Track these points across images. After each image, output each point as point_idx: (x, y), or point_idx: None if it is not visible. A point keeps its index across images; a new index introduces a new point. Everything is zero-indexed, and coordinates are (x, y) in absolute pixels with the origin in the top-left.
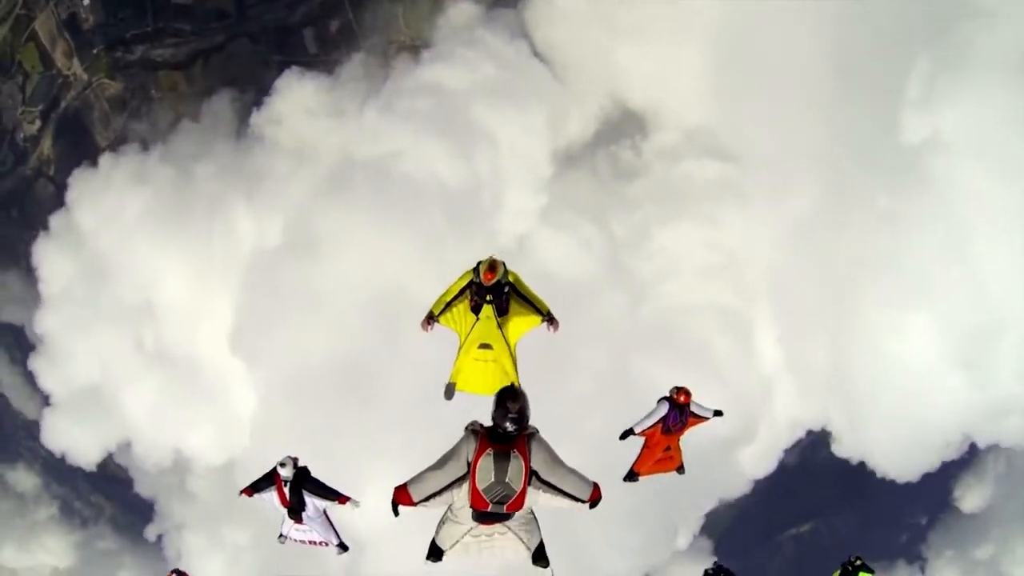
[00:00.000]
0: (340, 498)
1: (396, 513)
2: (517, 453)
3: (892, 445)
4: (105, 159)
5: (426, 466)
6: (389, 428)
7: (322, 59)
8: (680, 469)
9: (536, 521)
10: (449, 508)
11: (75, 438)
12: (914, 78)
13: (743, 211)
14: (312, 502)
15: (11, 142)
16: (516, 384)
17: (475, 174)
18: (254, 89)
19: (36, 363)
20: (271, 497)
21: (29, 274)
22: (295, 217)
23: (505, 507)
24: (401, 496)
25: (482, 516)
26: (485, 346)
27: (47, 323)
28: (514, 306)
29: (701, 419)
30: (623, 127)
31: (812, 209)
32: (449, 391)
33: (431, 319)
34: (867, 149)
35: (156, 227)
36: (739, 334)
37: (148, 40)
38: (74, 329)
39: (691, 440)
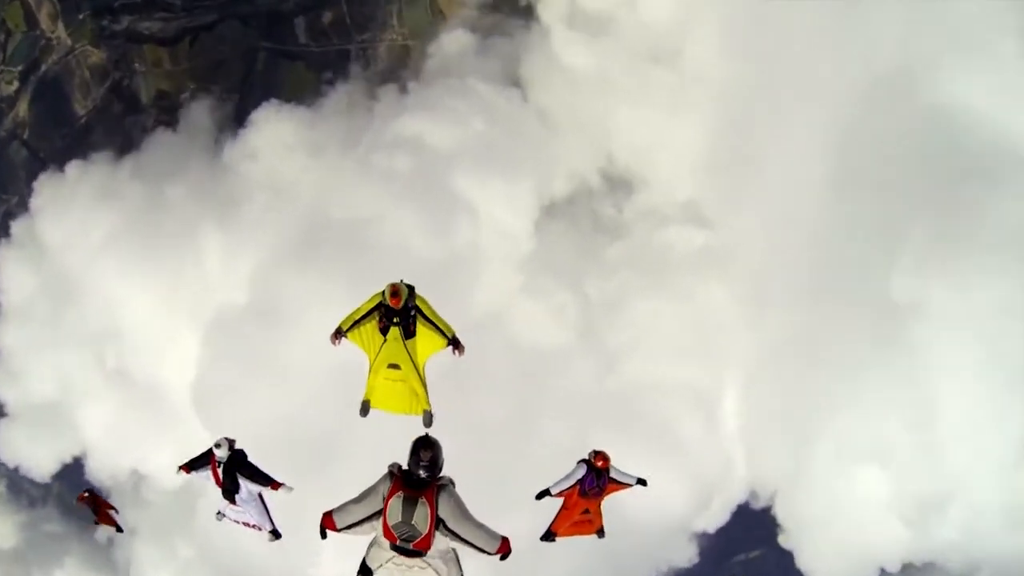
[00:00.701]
0: (272, 483)
1: (324, 536)
2: (424, 500)
3: (829, 554)
4: (73, 168)
5: (350, 498)
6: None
7: (312, 50)
8: (600, 533)
9: (456, 558)
10: (377, 537)
11: (30, 452)
12: (911, 238)
13: (722, 292)
14: (246, 486)
15: None
16: (428, 407)
17: (452, 248)
18: (235, 100)
19: None
20: (206, 476)
21: None
22: (264, 271)
23: (412, 545)
24: (327, 522)
25: (395, 548)
26: (394, 366)
27: (6, 337)
28: (421, 329)
29: (623, 485)
30: (610, 186)
31: (790, 318)
32: (364, 408)
33: (339, 334)
34: (854, 285)
35: (123, 248)
36: (703, 416)
37: (136, 11)
38: (34, 345)
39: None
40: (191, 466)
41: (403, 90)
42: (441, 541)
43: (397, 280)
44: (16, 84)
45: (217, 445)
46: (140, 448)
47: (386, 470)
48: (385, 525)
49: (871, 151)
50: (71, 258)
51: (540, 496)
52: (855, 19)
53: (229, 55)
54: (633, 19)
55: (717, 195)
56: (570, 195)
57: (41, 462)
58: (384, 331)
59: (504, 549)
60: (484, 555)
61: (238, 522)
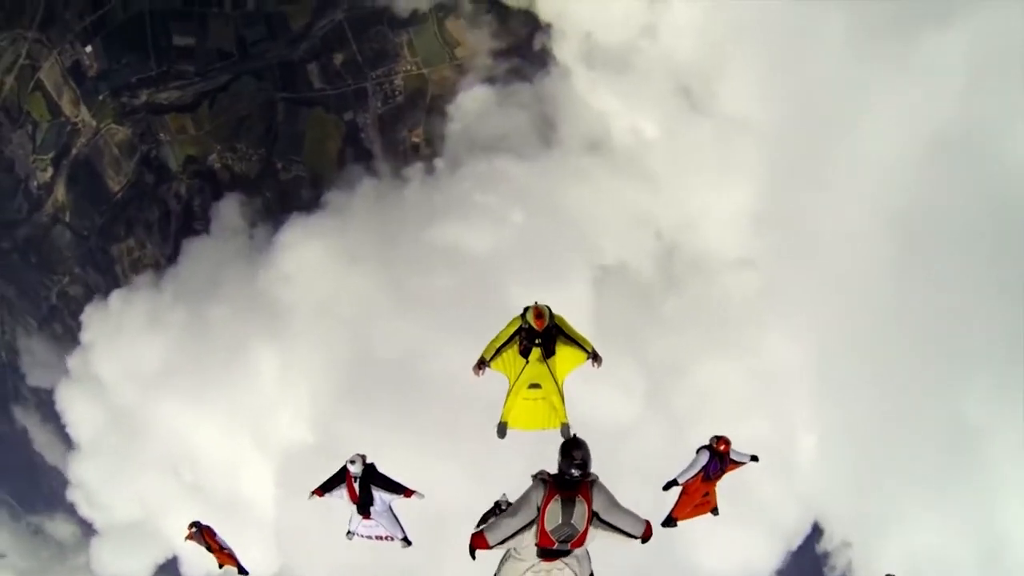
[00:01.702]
0: (406, 491)
1: (473, 557)
2: (581, 498)
3: None
4: (116, 298)
5: (500, 516)
6: None
7: (329, 93)
8: (715, 511)
9: (588, 554)
10: (512, 548)
11: (123, 564)
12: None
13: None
14: (380, 497)
15: (25, 190)
16: (565, 420)
17: None
18: (261, 198)
19: (76, 499)
20: (341, 494)
21: (51, 334)
22: (323, 406)
23: (569, 545)
24: (478, 542)
25: (546, 553)
26: (535, 386)
27: (81, 471)
28: (560, 347)
29: (739, 464)
30: (662, 247)
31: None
32: (501, 430)
33: (482, 364)
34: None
35: (178, 375)
36: (776, 471)
37: (152, 84)
38: (111, 473)
39: None
40: (324, 488)
41: (430, 170)
42: (591, 534)
43: (536, 302)
44: (50, 170)
45: (352, 462)
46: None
47: (534, 480)
48: (543, 531)
49: (933, 220)
50: (129, 391)
51: (668, 487)
52: (913, 71)
53: (248, 111)
54: (657, 51)
55: (769, 248)
56: (620, 263)
57: (135, 570)
58: (525, 353)
59: (648, 532)
60: (631, 539)
61: (370, 536)
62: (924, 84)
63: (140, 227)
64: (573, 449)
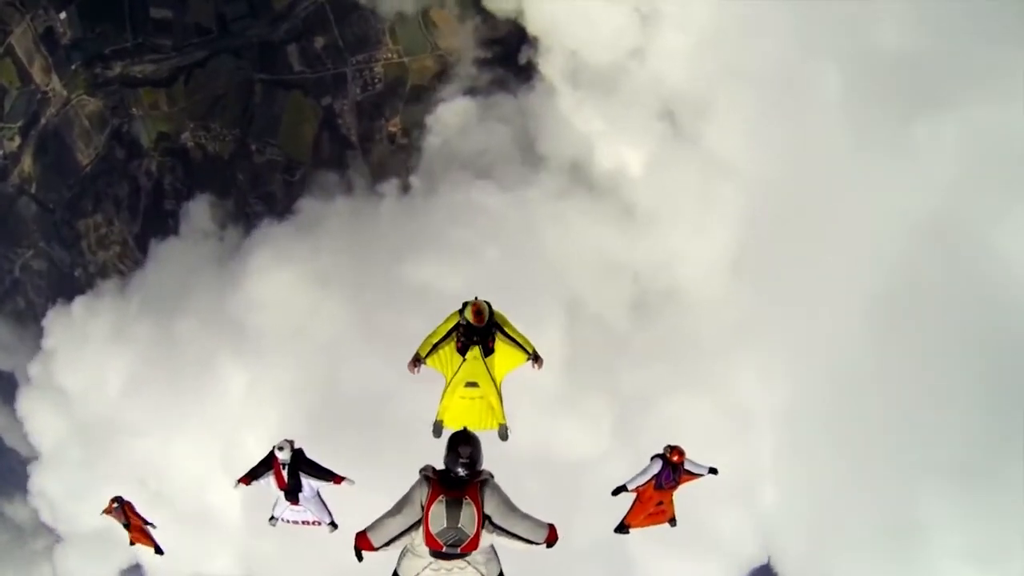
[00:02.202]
0: (335, 478)
1: (360, 558)
2: (469, 500)
3: None
4: (80, 304)
5: (384, 513)
6: None
7: (308, 76)
8: (672, 521)
9: (495, 555)
10: (410, 545)
11: (87, 570)
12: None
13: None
14: (308, 483)
15: None
16: (503, 422)
17: None
18: (234, 197)
19: (40, 506)
20: (268, 481)
21: (13, 310)
22: (286, 431)
23: (459, 549)
24: (363, 542)
25: (438, 555)
26: (472, 384)
27: (45, 482)
28: (500, 346)
29: (695, 476)
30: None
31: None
32: (437, 429)
33: (417, 361)
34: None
35: (144, 389)
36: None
37: (128, 56)
38: (74, 482)
39: None
40: (251, 476)
41: (405, 189)
42: (486, 539)
43: (475, 298)
44: (18, 140)
45: (279, 448)
46: (194, 557)
47: (419, 475)
48: (428, 533)
49: (915, 301)
50: (93, 403)
51: (616, 492)
52: (907, 148)
53: (225, 90)
54: (645, 76)
55: (746, 292)
56: (594, 300)
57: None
58: (463, 351)
59: (552, 537)
60: (532, 546)
61: (296, 522)
62: (916, 164)
63: (108, 203)
64: (460, 444)
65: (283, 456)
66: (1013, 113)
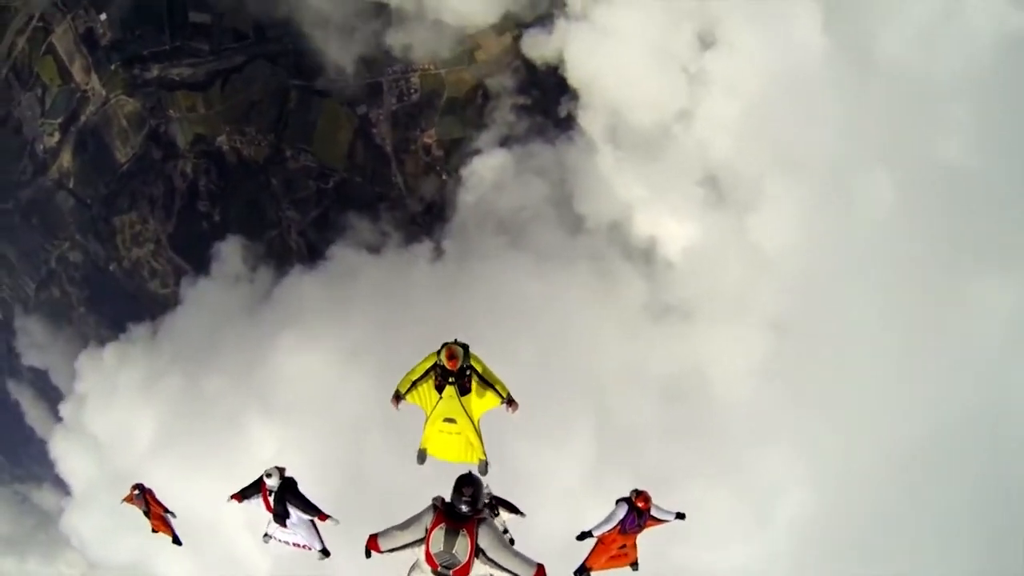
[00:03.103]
0: (320, 515)
1: (368, 555)
2: (465, 532)
3: None
4: (111, 351)
5: (396, 524)
6: None
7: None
8: (634, 565)
9: None
10: (416, 563)
11: None
12: None
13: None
14: (295, 513)
15: (31, 153)
16: (483, 457)
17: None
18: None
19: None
20: (257, 503)
21: (48, 300)
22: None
23: (452, 572)
24: (372, 544)
25: (435, 574)
26: (449, 420)
27: (77, 522)
28: (476, 387)
29: (661, 521)
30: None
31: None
32: (421, 456)
33: (398, 397)
34: None
35: (174, 444)
36: None
37: (166, 58)
38: (102, 528)
39: None
40: (243, 495)
41: (438, 253)
42: (480, 568)
43: (452, 341)
44: (58, 135)
45: (268, 474)
46: None
47: (430, 503)
48: (428, 553)
49: (939, 437)
50: (123, 451)
51: (581, 537)
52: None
53: (261, 96)
54: (689, 141)
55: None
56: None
57: None
58: (440, 389)
59: (540, 574)
60: None
61: (287, 543)
62: (966, 310)
63: (144, 201)
64: (464, 486)
65: (271, 483)
66: None
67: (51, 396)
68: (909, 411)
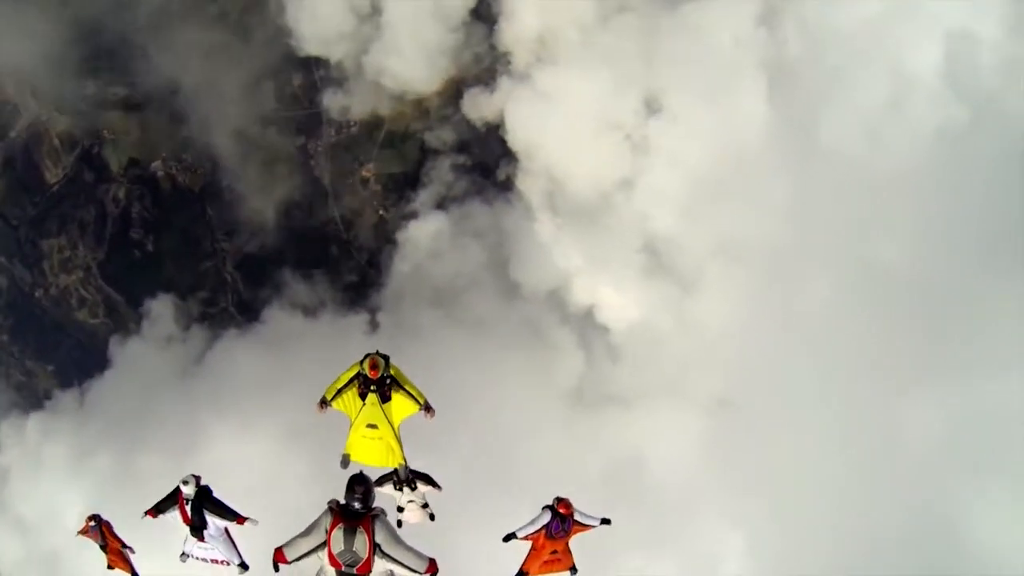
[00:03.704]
0: (238, 518)
1: (276, 569)
2: (362, 529)
3: None
4: (36, 422)
5: (297, 533)
6: None
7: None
8: (572, 569)
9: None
10: (321, 567)
11: None
12: None
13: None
14: (213, 521)
15: None
16: (403, 462)
17: None
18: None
19: None
20: (174, 516)
21: None
22: None
23: (356, 569)
24: (279, 556)
25: (340, 574)
26: (372, 426)
27: None
28: (395, 395)
29: (587, 526)
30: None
31: None
32: (344, 461)
33: (324, 403)
34: None
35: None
36: None
37: (102, 77)
38: None
39: None
40: (158, 509)
41: (373, 326)
42: (379, 564)
43: (377, 351)
44: None
45: (184, 482)
46: None
47: (326, 507)
48: (330, 554)
49: (870, 533)
50: (49, 531)
51: (507, 539)
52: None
53: None
54: (630, 213)
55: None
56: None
57: None
58: (363, 396)
59: (432, 569)
60: (415, 574)
61: (205, 559)
62: (899, 411)
63: (74, 225)
64: (356, 484)
65: (187, 491)
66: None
67: None
68: (844, 492)
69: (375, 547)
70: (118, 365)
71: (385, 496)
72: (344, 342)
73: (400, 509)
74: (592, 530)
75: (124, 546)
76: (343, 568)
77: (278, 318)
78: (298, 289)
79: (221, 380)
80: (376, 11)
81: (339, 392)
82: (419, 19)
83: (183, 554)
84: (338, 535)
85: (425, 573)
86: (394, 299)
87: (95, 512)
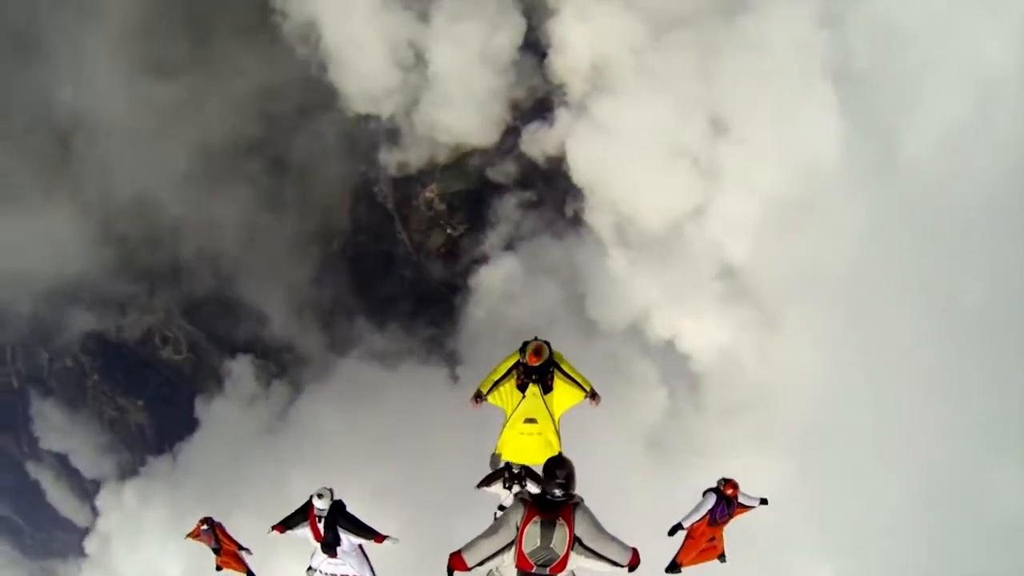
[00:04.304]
0: (376, 536)
1: None
2: (562, 521)
3: None
4: (132, 489)
5: (479, 534)
6: None
7: None
8: (722, 557)
9: None
10: (494, 567)
11: None
12: None
13: None
14: (347, 538)
15: None
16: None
17: None
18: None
19: None
20: (304, 533)
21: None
22: None
23: (548, 570)
24: (456, 562)
25: None
26: (531, 420)
27: None
28: (558, 383)
29: (747, 508)
30: None
31: None
32: (495, 461)
33: (479, 397)
34: None
35: None
36: None
37: None
38: None
39: None
40: (286, 524)
41: (454, 379)
42: (574, 560)
43: (535, 338)
44: None
45: (319, 495)
46: None
47: (515, 499)
48: (520, 554)
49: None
50: None
51: (673, 531)
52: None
53: None
54: (702, 239)
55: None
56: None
57: None
58: (522, 388)
59: (635, 560)
60: (616, 568)
61: (334, 575)
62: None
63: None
64: (556, 467)
65: (320, 505)
66: None
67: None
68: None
69: (575, 541)
70: (206, 426)
71: (490, 494)
72: (426, 396)
73: (502, 508)
74: (751, 511)
75: (240, 548)
76: (534, 569)
77: (355, 370)
78: (375, 339)
79: (304, 433)
80: (421, 61)
81: (496, 384)
82: (467, 65)
83: (310, 568)
84: (533, 530)
85: (627, 565)
86: (470, 344)
87: (207, 515)
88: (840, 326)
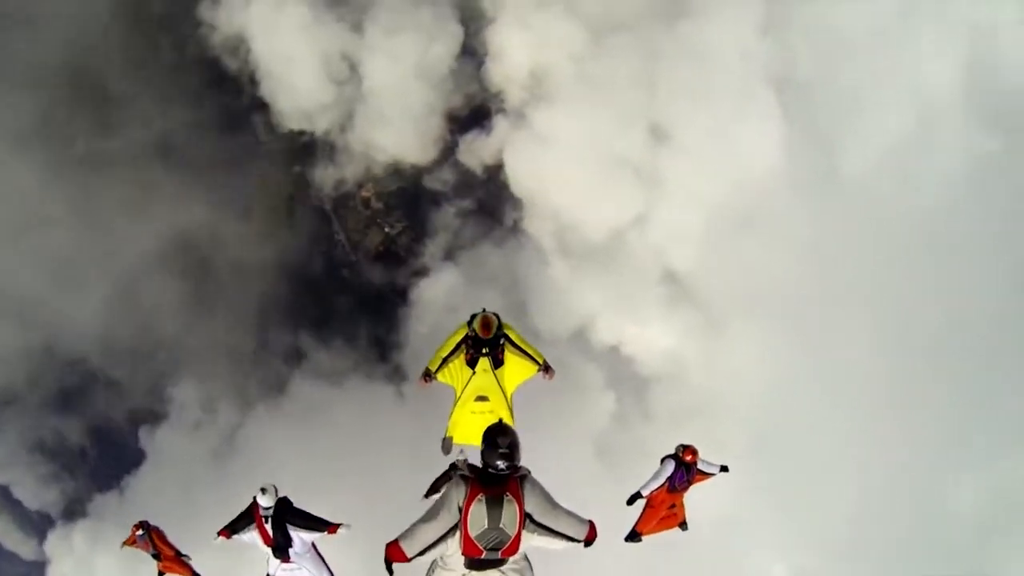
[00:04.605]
0: (329, 527)
1: (390, 571)
2: (510, 497)
3: None
4: (81, 532)
5: (417, 519)
6: None
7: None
8: (683, 525)
9: (529, 563)
10: (439, 556)
11: None
12: None
13: None
14: (298, 536)
15: None
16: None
17: None
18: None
19: None
20: (252, 537)
21: None
22: None
23: (500, 553)
24: (394, 552)
25: (475, 563)
26: (482, 398)
27: None
28: (510, 357)
29: (707, 475)
30: None
31: None
32: (446, 445)
33: (428, 376)
34: None
35: None
36: None
37: None
38: None
39: None
40: (232, 529)
41: (399, 396)
42: (526, 539)
43: (483, 310)
44: None
45: (263, 490)
46: None
47: (452, 476)
48: (467, 538)
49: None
50: None
51: (632, 500)
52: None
53: None
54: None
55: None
56: None
57: None
58: (472, 363)
59: (592, 534)
60: (571, 544)
61: None
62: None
63: None
64: (498, 436)
65: (265, 503)
66: None
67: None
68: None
69: (525, 518)
70: (151, 457)
71: None
72: (373, 410)
73: None
74: (711, 479)
75: (180, 553)
76: (483, 555)
77: (301, 389)
78: (319, 356)
79: (253, 457)
80: (355, 75)
81: (444, 361)
82: (402, 79)
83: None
84: (478, 510)
85: (584, 539)
86: (414, 359)
87: (143, 520)
88: (786, 331)
